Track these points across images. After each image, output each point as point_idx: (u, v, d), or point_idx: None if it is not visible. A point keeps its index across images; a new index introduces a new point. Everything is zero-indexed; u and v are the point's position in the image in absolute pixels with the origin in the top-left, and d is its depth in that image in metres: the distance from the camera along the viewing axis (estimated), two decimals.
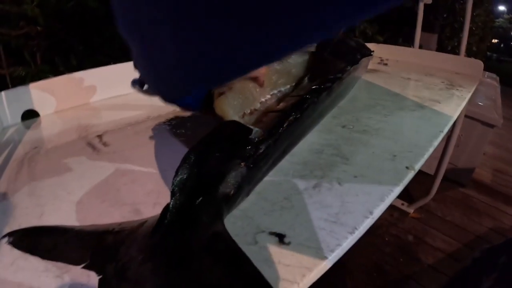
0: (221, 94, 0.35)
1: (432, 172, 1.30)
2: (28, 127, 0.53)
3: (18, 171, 0.40)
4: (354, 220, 0.29)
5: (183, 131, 0.48)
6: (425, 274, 1.27)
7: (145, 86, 0.37)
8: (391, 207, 1.42)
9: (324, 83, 0.41)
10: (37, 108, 0.56)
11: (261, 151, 0.29)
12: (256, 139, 0.29)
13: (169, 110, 0.56)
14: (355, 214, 0.29)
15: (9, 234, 0.29)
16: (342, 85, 0.48)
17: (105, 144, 0.45)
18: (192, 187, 0.25)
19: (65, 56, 1.15)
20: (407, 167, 0.37)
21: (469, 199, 1.64)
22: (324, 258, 0.25)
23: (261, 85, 0.39)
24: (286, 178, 0.35)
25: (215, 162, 0.26)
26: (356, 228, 0.28)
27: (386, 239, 1.31)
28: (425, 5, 1.18)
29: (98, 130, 0.50)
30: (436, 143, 0.43)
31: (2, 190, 0.36)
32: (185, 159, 0.26)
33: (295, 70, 0.46)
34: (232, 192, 0.26)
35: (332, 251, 0.25)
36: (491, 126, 1.51)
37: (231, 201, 0.26)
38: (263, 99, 0.40)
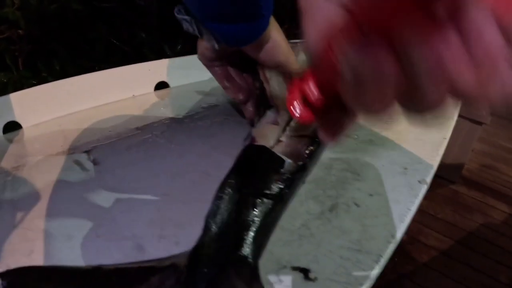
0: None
1: None
2: (10, 141, 0.49)
3: (0, 195, 0.37)
4: (378, 246, 0.28)
5: (178, 145, 0.45)
6: (419, 272, 1.28)
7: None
8: None
9: None
10: (19, 119, 0.52)
11: (291, 184, 0.28)
12: (288, 173, 0.27)
13: (157, 119, 0.53)
14: (378, 240, 0.29)
15: (1, 276, 0.26)
16: None
17: (94, 162, 0.42)
18: (225, 240, 0.22)
19: (48, 60, 1.11)
20: (419, 181, 0.37)
21: (459, 196, 1.66)
22: None
23: None
24: (299, 199, 0.33)
25: (246, 204, 0.24)
26: (381, 256, 0.27)
27: None
28: None
29: (85, 145, 0.47)
30: (441, 151, 0.43)
31: None
32: (216, 203, 0.25)
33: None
34: (263, 240, 0.24)
35: (362, 284, 0.25)
36: (480, 123, 1.53)
37: (261, 250, 0.24)
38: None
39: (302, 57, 0.45)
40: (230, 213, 0.25)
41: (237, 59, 0.41)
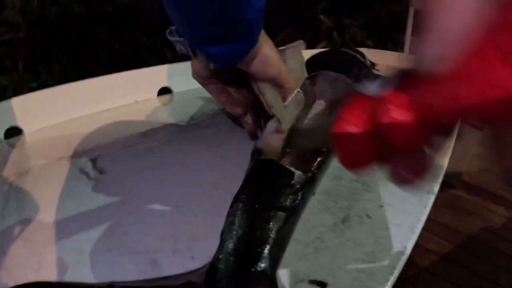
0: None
1: None
2: (12, 146, 0.48)
3: (5, 205, 0.36)
4: (391, 258, 0.28)
5: (185, 154, 0.45)
6: (420, 277, 1.28)
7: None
8: None
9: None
10: (20, 124, 0.51)
11: (302, 195, 0.28)
12: (298, 185, 0.27)
13: (162, 125, 0.53)
14: (391, 251, 0.29)
15: None
16: None
17: (101, 171, 0.42)
18: (242, 254, 0.22)
19: (48, 64, 1.11)
20: (427, 192, 0.37)
21: (459, 200, 1.66)
22: None
23: (284, 100, 0.39)
24: (312, 211, 0.33)
25: (260, 218, 0.24)
26: (395, 268, 0.27)
27: None
28: (415, 10, 1.19)
29: (90, 151, 0.46)
30: (447, 159, 0.44)
31: None
32: (230, 219, 0.25)
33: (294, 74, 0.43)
34: (279, 253, 0.24)
35: None
36: (480, 128, 1.54)
37: (277, 262, 0.24)
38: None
39: (292, 64, 0.45)
40: (244, 228, 0.25)
41: (231, 74, 0.41)
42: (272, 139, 0.38)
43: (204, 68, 0.39)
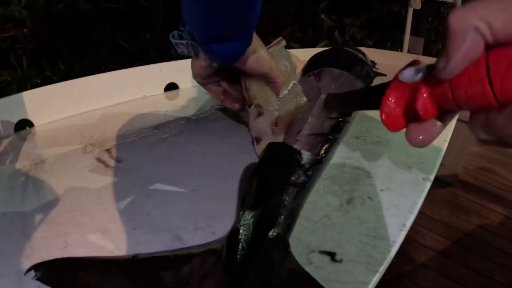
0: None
1: None
2: (23, 139, 0.49)
3: (24, 192, 0.37)
4: (392, 233, 0.31)
5: (198, 145, 0.47)
6: (417, 272, 1.30)
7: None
8: None
9: None
10: (31, 117, 0.52)
11: (311, 174, 0.31)
12: (307, 165, 0.29)
13: (172, 118, 0.54)
14: (391, 228, 0.32)
15: (35, 267, 0.26)
16: None
17: (117, 160, 0.43)
18: (259, 221, 0.25)
19: (52, 60, 1.12)
20: (423, 179, 0.40)
21: (456, 197, 1.68)
22: (375, 272, 0.27)
23: (277, 93, 0.42)
24: (319, 194, 0.36)
25: (275, 191, 0.27)
26: (395, 241, 0.30)
27: None
28: (414, 10, 1.21)
29: (104, 142, 0.47)
30: (442, 152, 0.46)
31: (10, 215, 0.33)
32: (248, 192, 0.28)
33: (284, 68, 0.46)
34: (291, 221, 0.26)
35: (381, 264, 0.28)
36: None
37: (290, 230, 0.27)
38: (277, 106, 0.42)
39: (280, 60, 0.48)
40: (261, 199, 0.28)
41: (228, 73, 0.44)
42: (259, 122, 0.41)
43: (205, 68, 0.41)
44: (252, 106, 0.43)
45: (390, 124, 0.20)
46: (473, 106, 0.17)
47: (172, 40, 0.38)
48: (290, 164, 0.30)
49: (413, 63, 0.20)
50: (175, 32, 0.38)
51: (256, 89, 0.42)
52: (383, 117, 0.20)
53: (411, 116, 0.20)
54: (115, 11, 1.21)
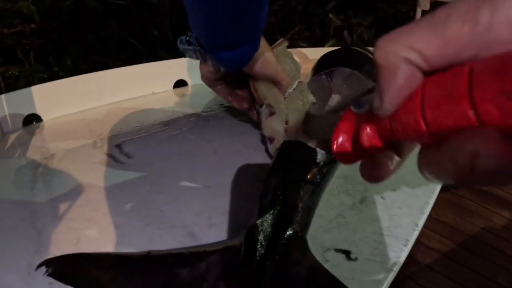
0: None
1: None
2: (31, 133, 0.49)
3: (33, 186, 0.37)
4: (405, 233, 0.31)
5: (209, 142, 0.47)
6: (422, 273, 1.30)
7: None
8: None
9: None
10: (40, 112, 0.52)
11: (326, 172, 0.31)
12: (322, 163, 0.30)
13: (182, 115, 0.54)
14: (404, 227, 0.32)
15: (47, 263, 0.25)
16: None
17: (127, 156, 0.43)
18: (277, 219, 0.25)
19: (60, 55, 1.12)
20: None
21: (461, 200, 1.67)
22: (389, 270, 0.28)
23: (284, 94, 0.42)
24: (333, 193, 0.36)
25: (291, 189, 0.27)
26: (408, 240, 0.31)
27: None
28: (422, 11, 1.21)
29: (113, 137, 0.47)
30: None
31: (20, 210, 0.33)
32: (265, 190, 0.28)
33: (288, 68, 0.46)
34: (308, 219, 0.26)
35: (395, 263, 0.28)
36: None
37: (307, 227, 0.27)
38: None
39: (284, 60, 0.48)
40: (278, 196, 0.28)
41: (235, 75, 0.44)
42: (271, 122, 0.41)
43: (212, 72, 0.42)
44: (264, 106, 0.43)
45: (342, 158, 0.19)
46: (410, 138, 0.15)
47: (180, 46, 0.39)
48: (305, 162, 0.30)
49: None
50: (183, 37, 0.38)
51: (265, 90, 0.42)
52: (334, 150, 0.19)
53: (362, 149, 0.18)
54: (123, 8, 1.21)
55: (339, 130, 0.19)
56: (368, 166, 0.18)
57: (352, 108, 0.18)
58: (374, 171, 0.18)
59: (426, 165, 0.14)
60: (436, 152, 0.13)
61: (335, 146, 0.19)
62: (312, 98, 0.43)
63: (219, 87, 0.46)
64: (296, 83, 0.43)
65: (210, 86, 0.46)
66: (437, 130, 0.13)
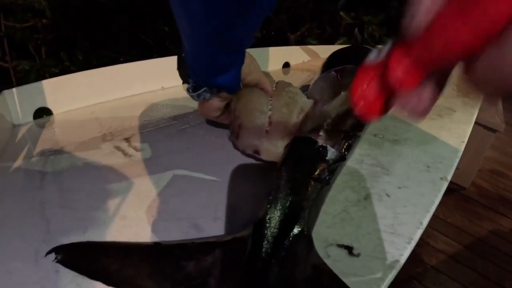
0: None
1: None
2: (41, 126, 0.49)
3: (43, 177, 0.38)
4: (409, 231, 0.31)
5: (218, 137, 0.47)
6: (427, 274, 1.29)
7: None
8: None
9: None
10: (50, 105, 0.53)
11: (334, 170, 0.31)
12: (331, 161, 0.30)
13: (191, 110, 0.54)
14: (408, 225, 0.32)
15: (56, 250, 0.26)
16: None
17: (136, 149, 0.43)
18: (285, 215, 0.25)
19: (71, 50, 1.13)
20: (441, 178, 0.40)
21: (470, 202, 1.66)
22: (392, 268, 0.27)
23: (269, 95, 0.43)
24: (338, 188, 0.37)
25: (300, 186, 0.28)
26: (412, 239, 0.30)
27: None
28: None
29: (123, 132, 0.48)
30: (460, 153, 0.47)
31: (29, 200, 0.33)
32: (275, 186, 0.28)
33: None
34: (314, 217, 0.27)
35: (398, 261, 0.28)
36: (493, 131, 1.53)
37: (313, 225, 0.27)
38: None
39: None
40: (287, 193, 0.28)
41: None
42: (244, 139, 0.41)
43: (215, 109, 0.43)
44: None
45: (365, 109, 0.18)
46: (449, 56, 0.14)
47: (190, 95, 0.39)
48: (315, 159, 0.30)
49: None
50: (189, 86, 0.39)
51: (241, 106, 0.42)
52: (355, 101, 0.18)
53: (389, 91, 0.17)
54: (133, 3, 1.22)
55: (357, 82, 0.18)
56: (405, 102, 0.17)
57: (367, 60, 0.18)
58: (413, 103, 0.16)
59: (483, 72, 0.13)
60: (490, 55, 0.12)
61: (355, 98, 0.18)
62: (298, 91, 0.43)
63: (222, 117, 0.46)
64: (274, 85, 0.44)
65: (216, 119, 0.46)
66: (484, 30, 0.12)
